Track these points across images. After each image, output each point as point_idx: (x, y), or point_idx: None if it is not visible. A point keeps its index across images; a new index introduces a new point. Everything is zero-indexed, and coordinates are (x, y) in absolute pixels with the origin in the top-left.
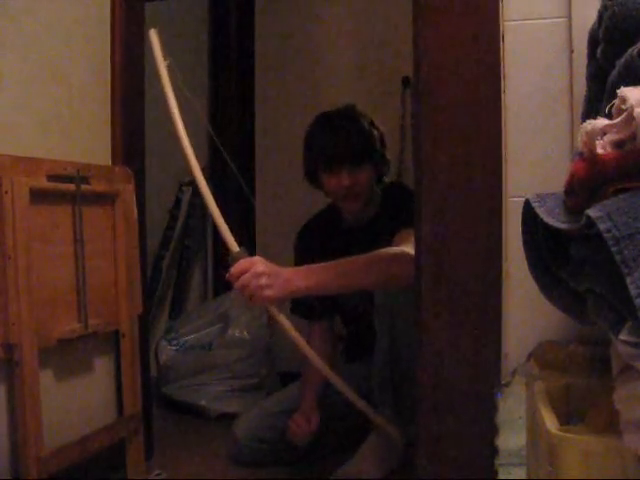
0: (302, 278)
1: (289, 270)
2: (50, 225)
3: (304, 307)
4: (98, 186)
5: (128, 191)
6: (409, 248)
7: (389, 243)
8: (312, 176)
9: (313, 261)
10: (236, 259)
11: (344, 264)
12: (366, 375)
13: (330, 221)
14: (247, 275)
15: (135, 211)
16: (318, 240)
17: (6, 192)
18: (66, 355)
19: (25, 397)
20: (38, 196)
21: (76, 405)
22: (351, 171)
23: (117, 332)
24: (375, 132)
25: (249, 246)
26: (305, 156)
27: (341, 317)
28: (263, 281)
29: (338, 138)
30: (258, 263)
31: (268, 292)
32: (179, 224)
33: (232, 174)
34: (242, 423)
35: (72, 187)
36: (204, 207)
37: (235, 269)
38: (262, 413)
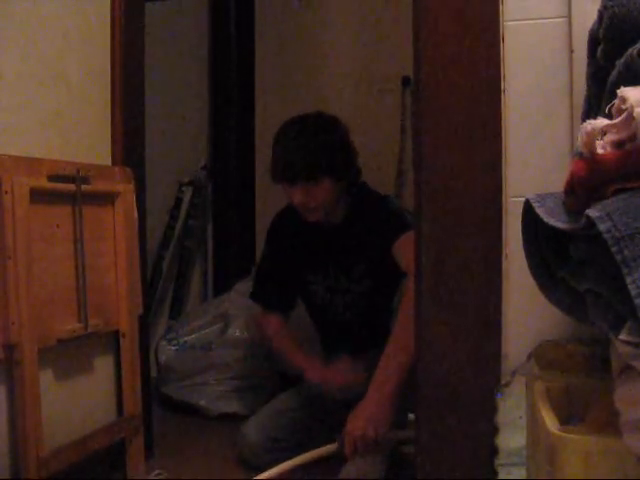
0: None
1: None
2: (50, 225)
3: (263, 296)
4: (98, 186)
5: (128, 191)
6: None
7: (359, 246)
8: (276, 181)
9: (282, 250)
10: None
11: (395, 347)
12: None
13: (302, 217)
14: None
15: (135, 211)
16: (291, 231)
17: (6, 192)
18: (66, 355)
19: (25, 397)
20: (38, 196)
21: (76, 405)
22: (305, 187)
23: (117, 332)
24: (337, 143)
25: (249, 243)
26: (271, 160)
27: (312, 317)
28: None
29: (293, 154)
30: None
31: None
32: (179, 224)
33: (232, 172)
34: (253, 425)
35: (72, 187)
36: (204, 207)
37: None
38: (272, 413)
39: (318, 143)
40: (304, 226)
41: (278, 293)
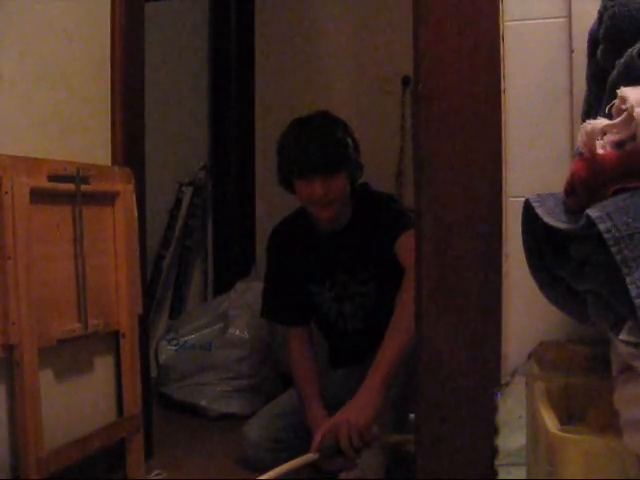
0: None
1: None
2: (50, 225)
3: (275, 312)
4: (98, 186)
5: (128, 191)
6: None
7: (365, 248)
8: (286, 182)
9: (287, 265)
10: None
11: (386, 350)
12: (355, 380)
13: (304, 225)
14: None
15: (135, 211)
16: (292, 244)
17: (6, 192)
18: (66, 355)
19: (25, 397)
20: (38, 196)
21: (76, 405)
22: (324, 180)
23: (117, 332)
24: (349, 139)
25: (249, 243)
26: (279, 163)
27: (319, 328)
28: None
29: (311, 147)
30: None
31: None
32: (179, 224)
33: (232, 172)
34: (254, 425)
35: (72, 187)
36: (204, 207)
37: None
38: (274, 413)
39: (334, 137)
40: (307, 236)
41: (291, 305)
